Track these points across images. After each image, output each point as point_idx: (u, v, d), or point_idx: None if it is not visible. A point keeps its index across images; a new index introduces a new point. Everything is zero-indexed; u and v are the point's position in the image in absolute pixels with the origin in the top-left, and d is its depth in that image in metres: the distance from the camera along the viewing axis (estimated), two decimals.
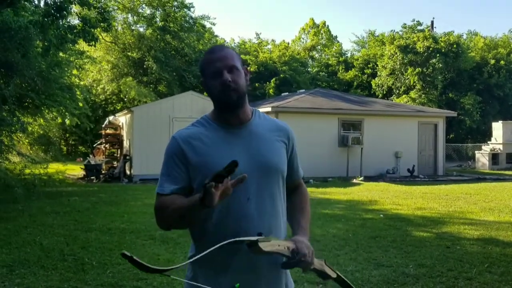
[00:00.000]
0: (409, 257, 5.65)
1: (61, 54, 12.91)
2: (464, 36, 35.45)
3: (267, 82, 31.22)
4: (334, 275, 1.77)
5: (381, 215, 8.68)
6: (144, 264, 1.36)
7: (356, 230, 7.28)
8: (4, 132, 9.52)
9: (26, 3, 10.08)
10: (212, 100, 1.72)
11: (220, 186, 1.41)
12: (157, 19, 29.37)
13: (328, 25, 41.64)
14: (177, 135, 1.74)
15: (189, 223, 1.67)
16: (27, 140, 13.58)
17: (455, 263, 5.37)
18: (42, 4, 9.80)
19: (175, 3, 29.13)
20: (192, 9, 30.47)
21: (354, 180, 15.74)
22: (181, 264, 1.49)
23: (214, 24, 35.82)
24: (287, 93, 25.62)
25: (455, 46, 29.15)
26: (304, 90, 24.47)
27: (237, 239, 1.49)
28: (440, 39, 29.97)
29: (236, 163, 1.40)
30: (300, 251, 1.59)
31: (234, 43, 39.32)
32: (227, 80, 1.63)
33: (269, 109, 15.82)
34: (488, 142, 23.40)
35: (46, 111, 13.99)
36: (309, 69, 37.79)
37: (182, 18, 29.54)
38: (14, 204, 9.21)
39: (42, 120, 15.78)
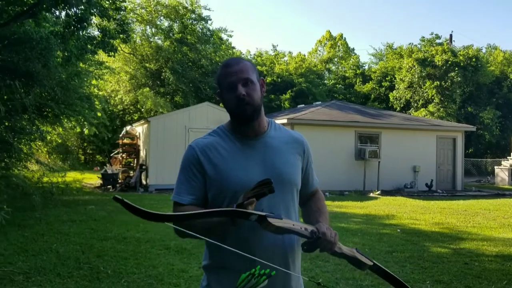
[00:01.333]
0: (426, 273, 5.55)
1: (80, 64, 13.12)
2: (484, 50, 35.13)
3: (283, 94, 31.26)
4: (369, 263, 1.69)
5: (398, 230, 8.55)
6: (138, 208, 1.32)
7: (373, 244, 7.18)
8: (23, 140, 9.67)
9: (47, 14, 10.28)
10: (228, 112, 1.74)
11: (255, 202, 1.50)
12: (175, 31, 29.73)
13: (345, 38, 41.65)
14: (194, 144, 1.75)
15: (212, 235, 1.64)
16: (45, 149, 13.77)
17: (473, 280, 5.26)
18: (63, 15, 9.99)
19: (193, 16, 29.48)
20: (209, 22, 30.81)
21: (371, 194, 15.58)
22: (182, 213, 1.50)
23: (231, 36, 36.11)
24: (303, 105, 25.59)
25: (474, 59, 28.85)
26: (320, 102, 24.44)
27: (243, 210, 1.46)
28: (459, 52, 29.69)
29: (271, 181, 1.49)
30: (319, 230, 1.57)
31: (251, 55, 39.55)
32: (240, 94, 1.65)
33: (284, 121, 15.80)
34: (508, 157, 22.98)
35: (65, 120, 14.18)
36: (325, 81, 37.75)
37: (200, 31, 29.86)
38: (32, 211, 9.30)
39: (61, 129, 16.01)
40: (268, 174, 1.68)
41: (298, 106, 25.90)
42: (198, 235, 1.53)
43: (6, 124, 8.99)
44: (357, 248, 1.71)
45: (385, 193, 15.74)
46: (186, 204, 1.68)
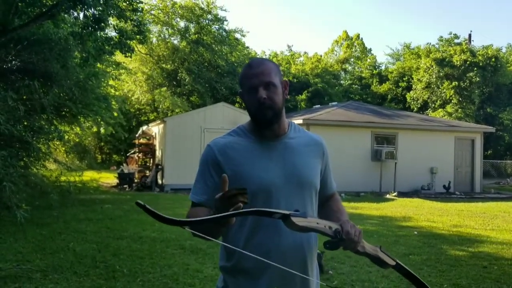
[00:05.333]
0: (443, 276, 5.47)
1: (98, 65, 13.24)
2: (504, 50, 34.48)
3: (299, 95, 31.18)
4: (392, 263, 1.66)
5: (415, 232, 8.45)
6: (158, 214, 1.31)
7: (389, 247, 7.10)
8: (42, 140, 9.78)
9: (66, 15, 10.40)
10: (248, 114, 1.73)
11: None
12: (191, 32, 29.86)
13: (362, 38, 41.38)
14: (213, 143, 1.74)
15: (212, 236, 1.55)
16: (63, 148, 13.89)
17: (492, 284, 5.16)
18: (81, 16, 10.10)
19: (209, 17, 29.58)
20: (225, 22, 30.88)
21: (387, 196, 15.43)
22: (200, 218, 1.40)
23: (244, 36, 36.03)
24: (319, 105, 25.48)
25: (493, 59, 28.37)
26: (336, 102, 24.31)
27: (267, 209, 1.44)
28: (478, 52, 29.22)
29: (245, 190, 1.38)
30: (344, 228, 1.53)
31: (265, 55, 39.52)
32: (261, 98, 1.64)
33: (300, 121, 15.74)
34: None
35: (83, 120, 14.33)
36: (341, 82, 37.56)
37: (216, 31, 29.95)
38: (50, 210, 9.44)
39: (78, 129, 16.19)
40: (288, 175, 1.67)
41: (314, 106, 25.80)
42: (211, 238, 1.47)
43: (25, 123, 9.10)
44: (382, 246, 1.68)
45: (401, 194, 15.58)
46: (199, 203, 1.66)
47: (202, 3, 29.16)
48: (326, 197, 1.88)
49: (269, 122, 1.67)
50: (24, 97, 10.00)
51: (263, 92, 1.64)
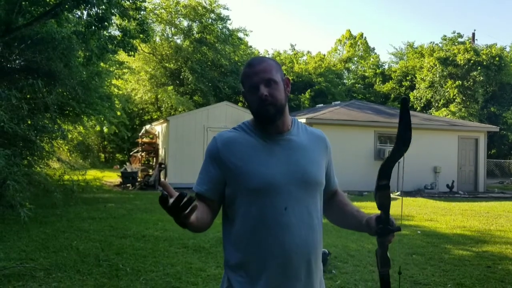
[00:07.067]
0: (447, 275, 5.45)
1: (101, 64, 13.26)
2: (508, 49, 34.35)
3: (302, 94, 31.16)
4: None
5: (419, 232, 8.43)
6: None
7: (392, 246, 7.05)
8: (45, 138, 9.80)
9: (69, 14, 10.42)
10: (251, 112, 1.72)
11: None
12: (194, 31, 29.86)
13: (365, 37, 41.32)
14: (218, 135, 1.75)
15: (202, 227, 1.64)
16: (66, 147, 13.93)
17: (496, 284, 5.14)
18: (84, 15, 10.12)
19: (212, 16, 29.58)
20: (228, 22, 30.87)
21: (391, 195, 15.38)
22: None
23: (247, 35, 36.03)
24: (322, 104, 25.46)
25: (497, 59, 28.26)
26: (339, 102, 24.28)
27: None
28: (482, 51, 29.13)
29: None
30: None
31: (268, 54, 39.50)
32: (263, 95, 1.63)
33: (303, 120, 15.72)
34: None
35: (86, 119, 14.37)
36: (344, 81, 37.52)
37: (219, 30, 29.95)
38: (53, 209, 9.46)
39: (81, 128, 16.22)
40: (292, 171, 1.66)
41: (317, 105, 25.77)
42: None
43: (29, 122, 9.13)
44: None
45: (405, 194, 15.55)
46: (201, 193, 1.68)
47: (205, 2, 29.17)
48: (330, 192, 1.89)
49: (271, 119, 1.67)
50: (28, 96, 10.04)
51: (265, 89, 1.64)
